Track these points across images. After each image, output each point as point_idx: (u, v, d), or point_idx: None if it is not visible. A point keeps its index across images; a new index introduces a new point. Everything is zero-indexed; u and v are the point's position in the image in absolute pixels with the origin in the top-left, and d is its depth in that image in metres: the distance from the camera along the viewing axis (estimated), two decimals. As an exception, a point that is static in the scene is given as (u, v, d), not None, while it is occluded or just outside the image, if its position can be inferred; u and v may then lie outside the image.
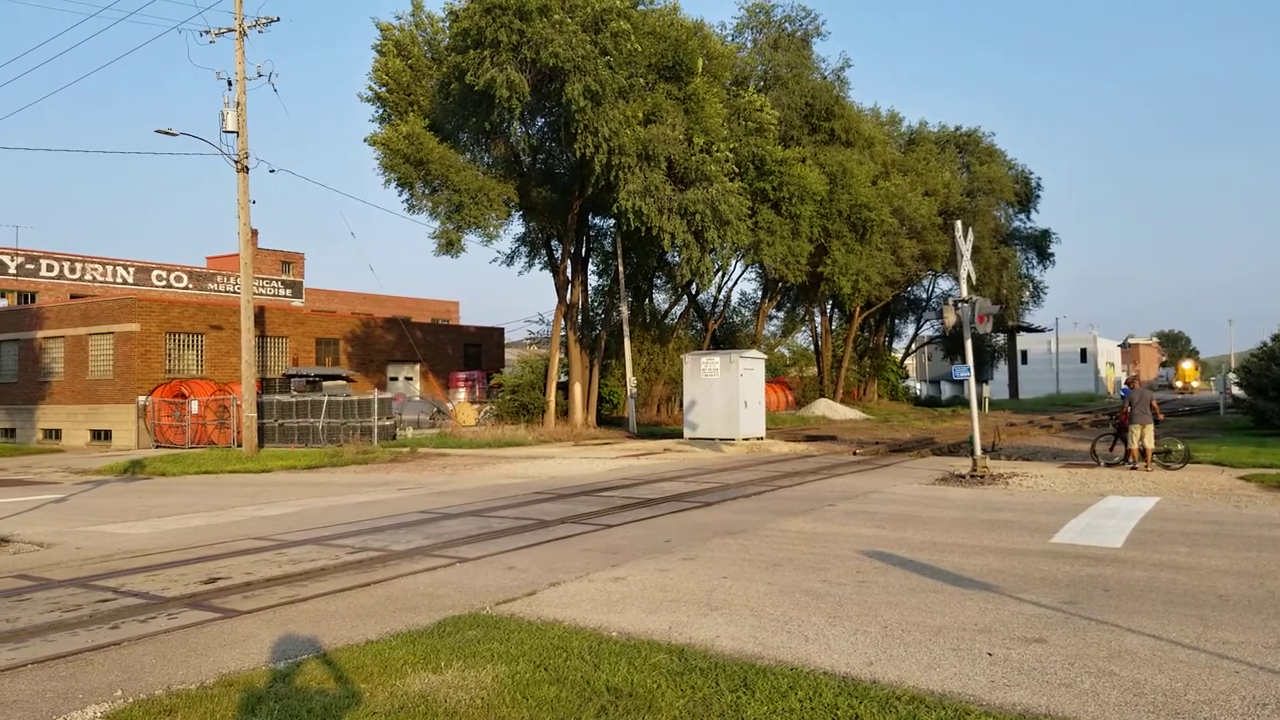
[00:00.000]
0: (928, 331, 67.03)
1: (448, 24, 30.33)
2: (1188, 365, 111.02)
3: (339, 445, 28.66)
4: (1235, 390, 47.79)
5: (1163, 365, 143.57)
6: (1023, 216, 60.85)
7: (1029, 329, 76.93)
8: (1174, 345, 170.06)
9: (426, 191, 31.51)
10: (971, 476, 17.93)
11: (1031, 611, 7.58)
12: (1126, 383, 19.72)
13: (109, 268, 51.42)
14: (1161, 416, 19.31)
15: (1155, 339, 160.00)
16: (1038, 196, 60.16)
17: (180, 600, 8.53)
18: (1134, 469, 18.68)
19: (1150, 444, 18.69)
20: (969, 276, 18.83)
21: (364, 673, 6.04)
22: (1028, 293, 61.00)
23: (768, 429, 30.84)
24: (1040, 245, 61.76)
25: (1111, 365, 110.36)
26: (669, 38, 30.37)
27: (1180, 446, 19.56)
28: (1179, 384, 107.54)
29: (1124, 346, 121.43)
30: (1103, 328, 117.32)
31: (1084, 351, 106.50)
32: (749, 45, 42.33)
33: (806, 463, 23.03)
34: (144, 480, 21.91)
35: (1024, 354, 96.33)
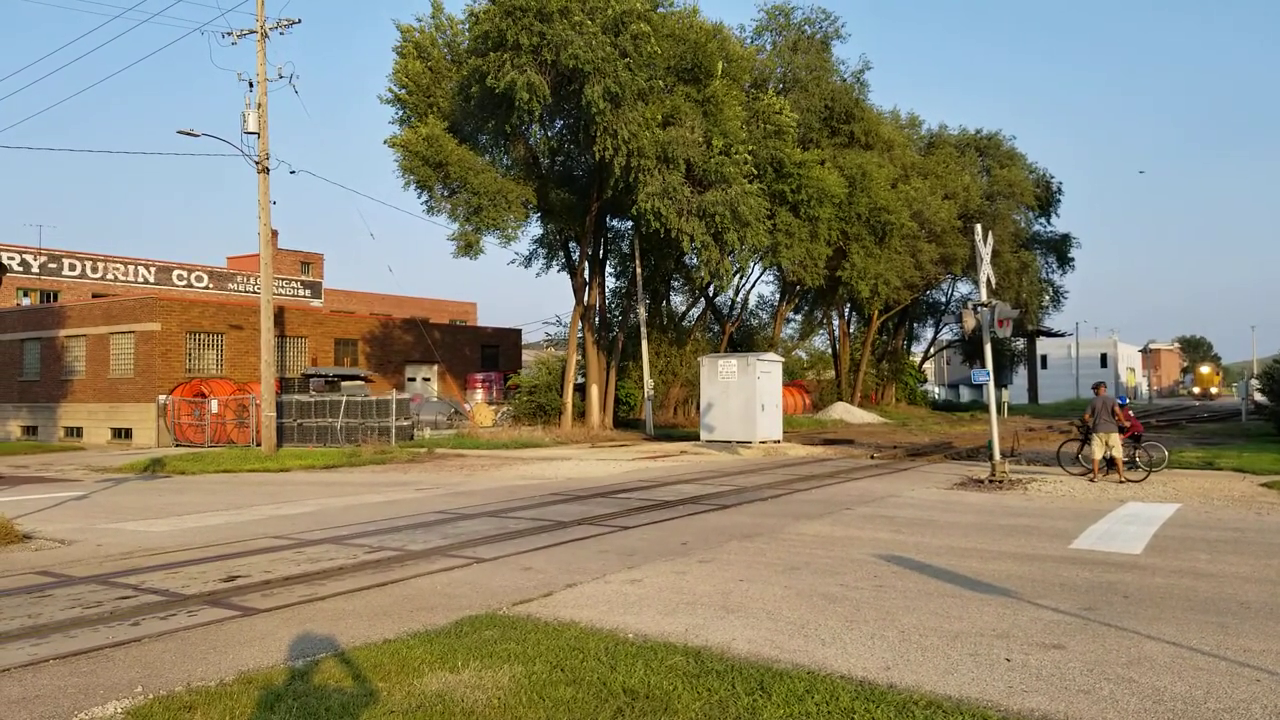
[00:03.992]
0: (946, 335, 66.77)
1: (468, 26, 30.42)
2: (1205, 369, 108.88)
3: (357, 445, 28.79)
4: (1258, 396, 47.37)
5: (1184, 370, 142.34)
6: (1043, 220, 60.52)
7: (1049, 333, 76.53)
8: (1196, 350, 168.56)
9: (445, 193, 31.63)
10: (990, 481, 17.83)
11: (1050, 617, 7.54)
12: (1092, 388, 19.19)
13: (130, 267, 51.86)
14: (1128, 424, 18.60)
15: (1177, 344, 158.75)
16: (1058, 200, 59.80)
17: (200, 598, 8.60)
18: (1092, 481, 17.81)
19: (1119, 454, 17.98)
20: (989, 280, 18.75)
21: (381, 671, 6.07)
22: (1048, 297, 60.63)
23: (785, 432, 30.77)
24: (1061, 249, 61.44)
25: (1132, 370, 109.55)
26: (688, 40, 30.36)
27: (1159, 453, 18.88)
28: (1196, 390, 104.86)
29: (1145, 352, 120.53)
30: (1124, 333, 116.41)
31: (1104, 356, 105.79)
32: (768, 48, 42.28)
33: (824, 466, 22.97)
34: (164, 478, 22.07)
35: (1044, 359, 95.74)
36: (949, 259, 48.00)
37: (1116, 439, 18.10)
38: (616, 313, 40.05)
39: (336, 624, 7.51)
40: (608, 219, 37.00)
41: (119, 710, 5.49)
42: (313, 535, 12.37)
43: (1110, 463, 18.24)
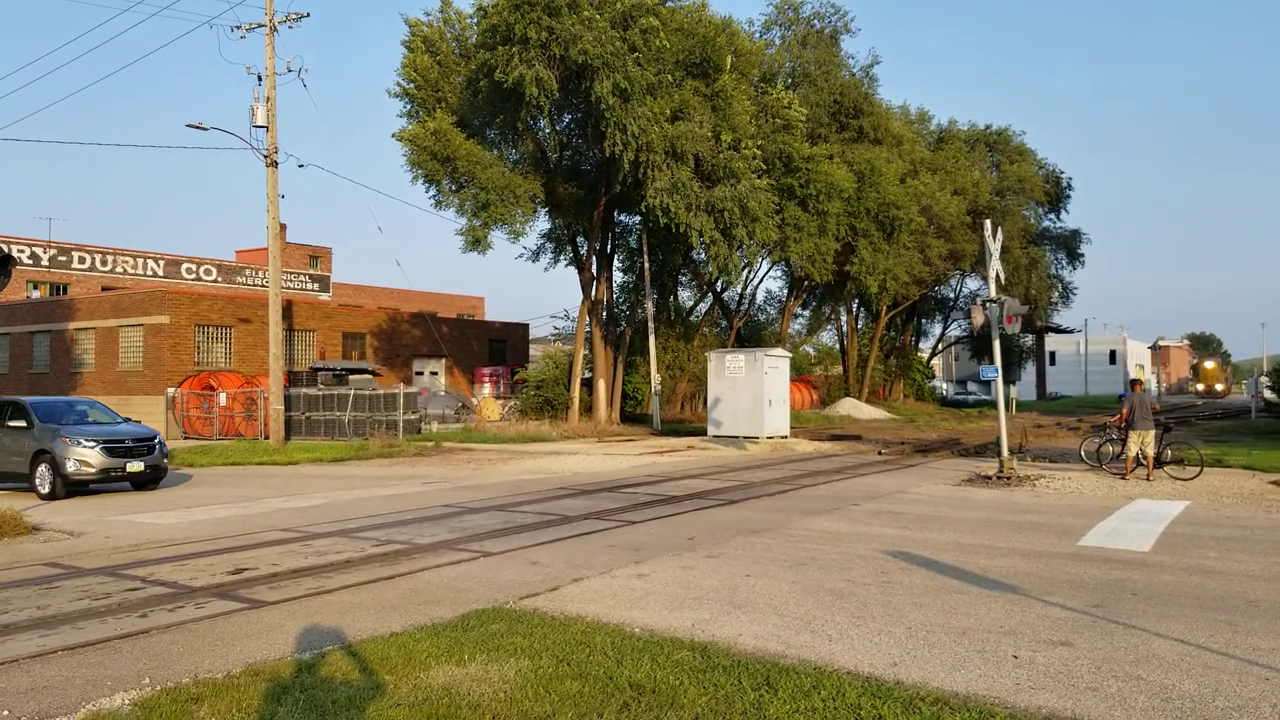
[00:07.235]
0: (955, 331, 66.64)
1: (476, 20, 30.37)
2: (1210, 365, 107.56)
3: (365, 439, 28.84)
4: (1267, 394, 47.22)
5: (1193, 367, 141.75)
6: (1053, 216, 60.37)
7: (1058, 330, 76.34)
8: (1205, 348, 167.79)
9: (453, 188, 31.61)
10: (998, 478, 17.78)
11: (1058, 614, 7.52)
12: (1130, 384, 19.03)
13: (139, 260, 52.01)
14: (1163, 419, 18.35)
15: (1186, 341, 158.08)
16: (1068, 196, 59.62)
17: (208, 590, 8.62)
18: (1124, 479, 17.59)
19: (1151, 451, 17.76)
20: (998, 276, 18.68)
21: (388, 664, 6.08)
22: (1057, 293, 60.50)
23: (792, 428, 30.74)
24: (1070, 245, 61.27)
25: (1141, 367, 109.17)
26: (697, 34, 30.30)
27: (1196, 453, 18.72)
28: (1200, 386, 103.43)
29: (1154, 348, 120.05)
30: (1133, 329, 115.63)
31: (1113, 353, 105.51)
32: (777, 42, 42.20)
33: (831, 462, 22.94)
34: (172, 471, 22.11)
35: (1052, 355, 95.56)
36: (958, 255, 47.87)
37: (1152, 437, 17.88)
38: (624, 307, 40.01)
39: (343, 617, 7.53)
40: (616, 214, 36.96)
41: (126, 702, 5.50)
42: (320, 528, 12.40)
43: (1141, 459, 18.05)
